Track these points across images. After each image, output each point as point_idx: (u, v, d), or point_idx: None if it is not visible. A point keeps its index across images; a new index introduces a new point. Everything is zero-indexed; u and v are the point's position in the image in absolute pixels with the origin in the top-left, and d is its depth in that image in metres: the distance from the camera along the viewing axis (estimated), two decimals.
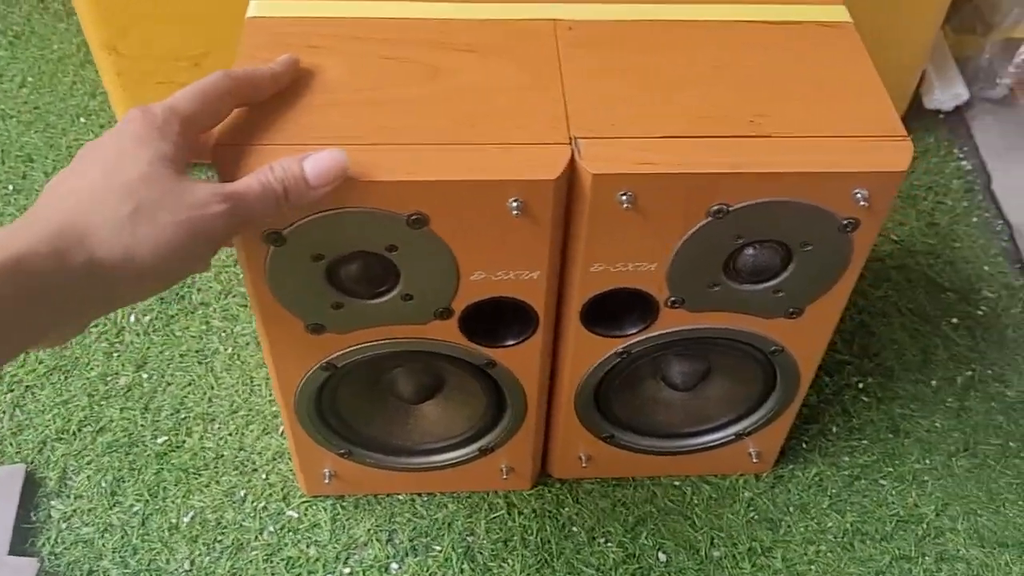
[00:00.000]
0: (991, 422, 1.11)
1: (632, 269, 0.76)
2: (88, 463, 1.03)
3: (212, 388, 1.10)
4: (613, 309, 0.81)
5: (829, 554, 0.99)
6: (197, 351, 1.14)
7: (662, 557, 0.98)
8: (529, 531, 0.99)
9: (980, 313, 1.23)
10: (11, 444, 1.05)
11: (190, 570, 0.95)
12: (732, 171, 0.68)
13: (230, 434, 1.06)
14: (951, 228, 1.34)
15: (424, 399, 0.93)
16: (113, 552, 0.96)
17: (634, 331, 0.82)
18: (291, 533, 0.98)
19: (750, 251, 0.75)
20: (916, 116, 1.48)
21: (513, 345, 0.82)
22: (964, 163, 1.44)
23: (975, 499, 1.04)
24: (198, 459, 1.04)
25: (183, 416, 1.07)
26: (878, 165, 0.69)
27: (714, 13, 0.81)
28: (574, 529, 1.00)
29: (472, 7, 0.80)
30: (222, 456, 1.04)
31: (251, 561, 0.96)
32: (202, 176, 0.69)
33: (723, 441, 0.98)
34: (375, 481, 0.99)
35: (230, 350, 1.14)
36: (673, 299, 0.79)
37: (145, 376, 1.11)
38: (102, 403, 1.08)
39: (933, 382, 1.15)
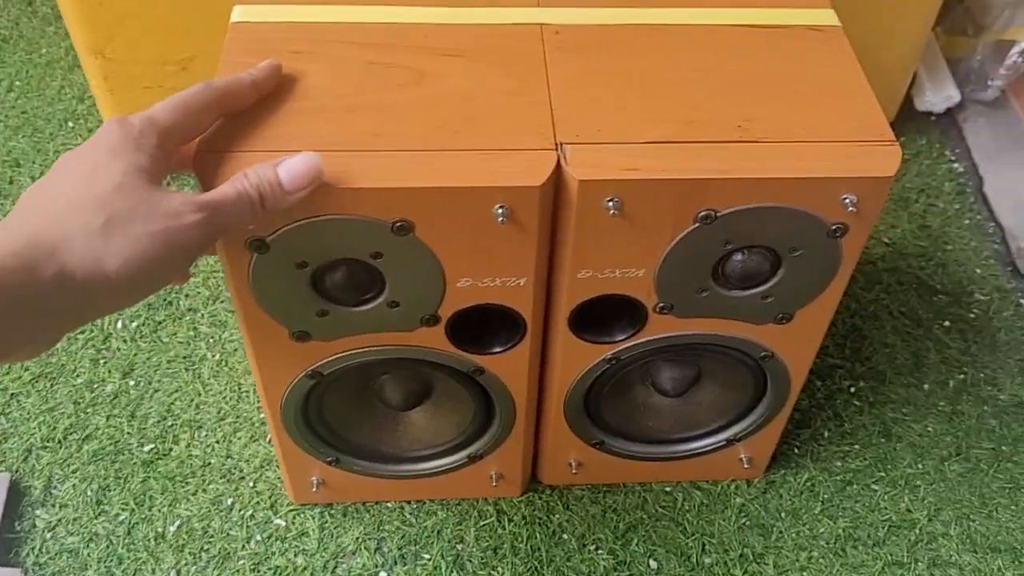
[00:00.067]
0: (983, 426, 1.11)
1: (620, 275, 0.75)
2: (74, 471, 1.02)
3: (199, 395, 1.09)
4: (602, 315, 0.80)
5: (821, 560, 0.98)
6: (184, 357, 1.13)
7: (653, 564, 0.97)
8: (519, 538, 0.98)
9: (972, 316, 1.23)
10: None
11: None
12: (720, 177, 0.68)
13: (217, 441, 1.05)
14: (943, 230, 1.34)
15: (412, 406, 0.92)
16: (98, 562, 0.95)
17: (623, 337, 0.82)
18: (278, 542, 0.97)
19: (738, 257, 0.75)
20: (907, 118, 1.48)
21: (501, 352, 0.81)
22: (956, 165, 1.44)
23: (968, 504, 1.03)
24: (185, 467, 1.03)
25: (170, 423, 1.07)
26: (866, 170, 0.69)
27: (702, 17, 0.80)
28: (564, 536, 0.99)
29: (458, 12, 0.79)
30: (209, 464, 1.03)
31: (238, 571, 0.95)
32: (186, 188, 0.68)
33: (714, 447, 0.98)
34: (363, 489, 0.98)
35: (218, 356, 1.13)
36: (662, 305, 0.78)
37: (132, 383, 1.10)
38: (88, 410, 1.07)
39: (925, 386, 1.15)
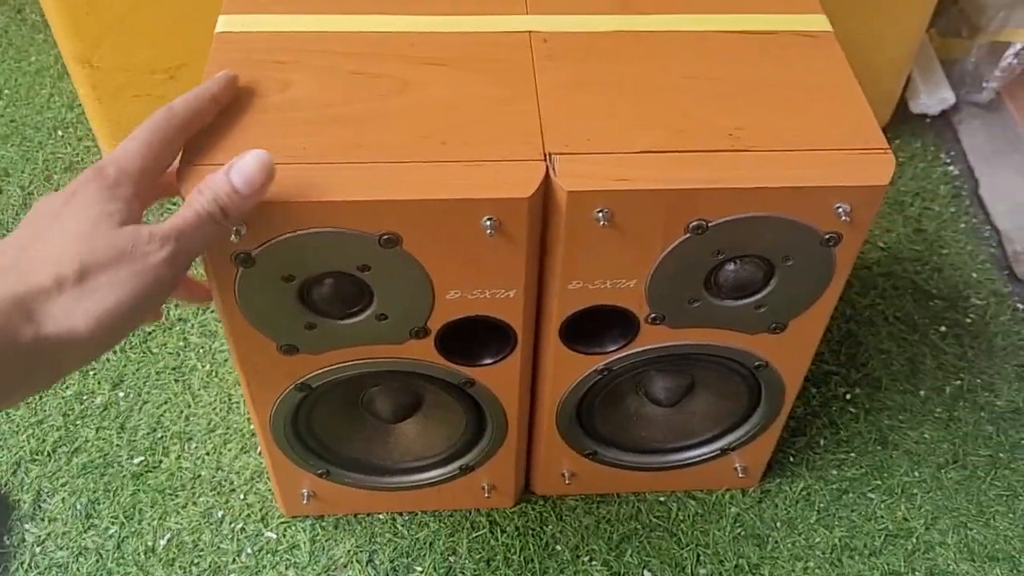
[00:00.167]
0: (980, 432, 1.10)
1: (611, 286, 0.74)
2: (63, 485, 1.01)
3: (189, 406, 1.08)
4: (593, 326, 0.79)
5: (817, 571, 0.97)
6: (174, 368, 1.12)
7: (647, 575, 0.96)
8: (512, 550, 0.98)
9: (968, 321, 1.22)
10: None
11: None
12: (711, 186, 0.67)
13: (208, 453, 1.04)
14: (938, 234, 1.33)
15: (403, 418, 0.91)
16: None
17: (615, 348, 0.81)
18: (269, 555, 0.96)
19: (731, 267, 0.74)
20: (902, 121, 1.47)
21: (491, 364, 0.80)
22: (951, 168, 1.43)
23: (965, 512, 1.03)
24: (175, 480, 1.02)
25: (160, 435, 1.06)
26: (860, 179, 0.68)
27: (692, 24, 0.79)
28: (558, 547, 0.98)
29: (444, 20, 0.78)
30: (199, 476, 1.02)
31: None
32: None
33: (708, 456, 0.97)
34: (355, 501, 0.97)
35: (208, 367, 1.12)
36: (653, 316, 0.77)
37: (121, 395, 1.09)
38: (77, 423, 1.07)
39: (921, 392, 1.14)
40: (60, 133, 1.42)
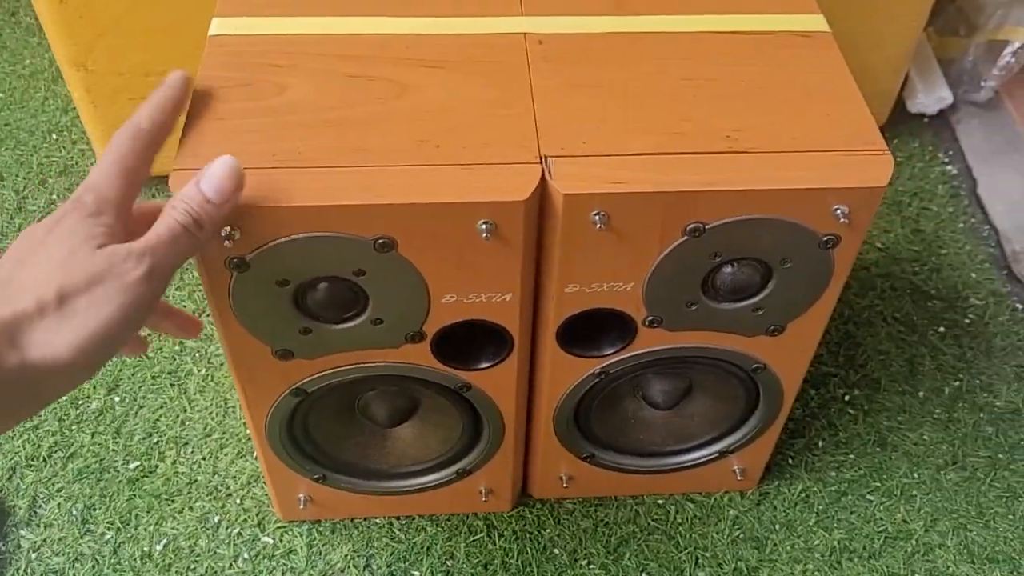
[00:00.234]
0: (980, 433, 1.10)
1: (608, 289, 0.74)
2: (58, 490, 1.01)
3: (185, 411, 1.08)
4: (590, 329, 0.79)
5: (816, 573, 0.97)
6: (170, 372, 1.12)
7: None
8: (510, 554, 0.97)
9: (967, 321, 1.22)
10: None
11: None
12: (708, 189, 0.66)
13: (204, 458, 1.04)
14: (937, 234, 1.33)
15: (399, 422, 0.91)
16: None
17: (612, 351, 0.80)
18: (266, 560, 0.96)
19: (728, 269, 0.73)
20: (900, 120, 1.46)
21: (488, 368, 0.79)
22: (949, 168, 1.43)
23: (964, 513, 1.02)
24: (171, 484, 1.01)
25: (156, 440, 1.05)
26: (858, 180, 0.67)
27: (689, 25, 0.79)
28: (556, 551, 0.98)
29: (439, 22, 0.78)
30: (196, 481, 1.02)
31: None
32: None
33: (706, 459, 0.96)
34: (352, 505, 0.97)
35: (204, 371, 1.12)
36: (651, 318, 0.77)
37: (117, 399, 1.09)
38: (73, 428, 1.06)
39: (920, 393, 1.13)
40: (55, 137, 1.42)
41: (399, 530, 0.98)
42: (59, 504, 1.00)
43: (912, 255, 1.29)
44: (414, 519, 0.99)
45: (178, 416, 1.07)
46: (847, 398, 1.12)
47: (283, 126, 0.68)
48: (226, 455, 1.04)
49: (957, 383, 1.14)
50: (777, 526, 1.00)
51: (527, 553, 0.97)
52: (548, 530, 0.99)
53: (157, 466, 1.03)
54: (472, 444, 0.90)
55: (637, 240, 0.69)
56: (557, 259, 0.70)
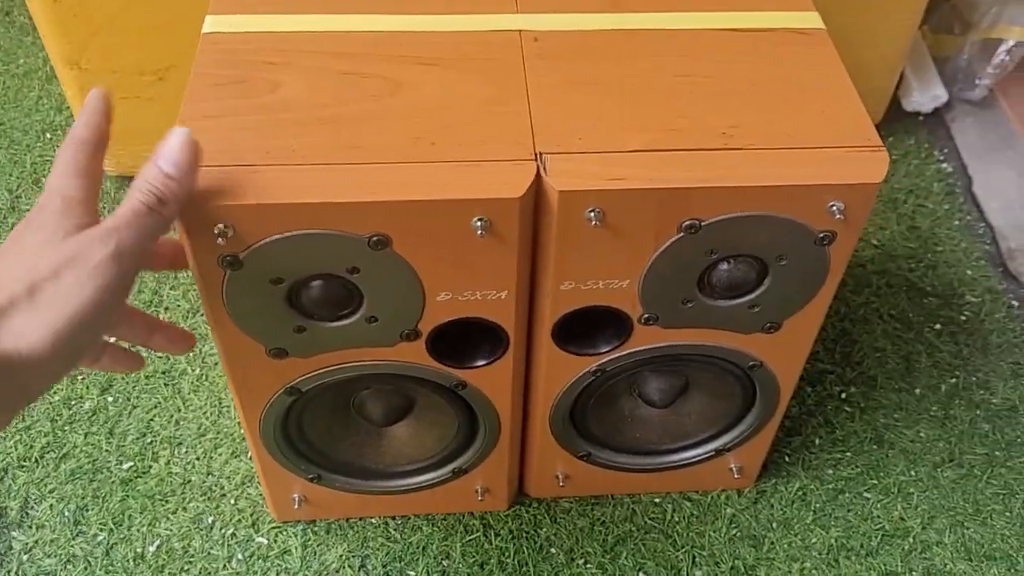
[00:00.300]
0: (976, 431, 1.09)
1: (603, 286, 0.73)
2: (51, 492, 1.00)
3: (179, 410, 1.07)
4: (586, 327, 0.78)
5: (814, 571, 0.96)
6: (164, 372, 1.11)
7: None
8: (506, 553, 0.97)
9: (963, 318, 1.21)
10: None
11: None
12: (703, 185, 0.66)
13: (198, 458, 1.03)
14: (932, 232, 1.32)
15: (394, 421, 0.90)
16: None
17: (608, 349, 0.80)
18: (260, 561, 0.95)
19: (724, 266, 0.73)
20: (895, 118, 1.46)
21: (484, 366, 0.79)
22: (945, 165, 1.43)
23: (962, 511, 1.02)
24: (164, 485, 1.01)
25: (149, 440, 1.05)
26: (853, 177, 0.67)
27: (684, 22, 0.78)
28: (552, 550, 0.97)
29: (434, 19, 0.77)
30: (189, 481, 1.01)
31: None
32: None
33: (703, 457, 0.96)
34: (347, 505, 0.96)
35: (198, 371, 1.11)
36: (647, 316, 0.76)
37: (110, 399, 1.08)
38: (65, 428, 1.05)
39: (917, 390, 1.13)
40: (48, 136, 1.41)
41: (395, 530, 0.98)
42: (51, 505, 0.99)
43: (908, 252, 1.29)
44: (410, 519, 0.99)
45: (172, 416, 1.07)
46: (843, 395, 1.12)
47: (277, 123, 0.68)
48: (220, 455, 1.03)
49: (953, 380, 1.14)
50: (774, 524, 1.00)
51: (523, 552, 0.97)
52: (545, 529, 0.99)
53: (151, 466, 1.02)
54: (468, 443, 0.90)
55: (633, 237, 0.69)
56: (552, 256, 0.70)
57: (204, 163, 0.64)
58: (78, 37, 1.13)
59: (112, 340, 0.69)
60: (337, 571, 0.95)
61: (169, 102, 1.18)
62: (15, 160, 1.37)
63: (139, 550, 0.96)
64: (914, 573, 0.97)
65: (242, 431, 1.05)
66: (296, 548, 0.96)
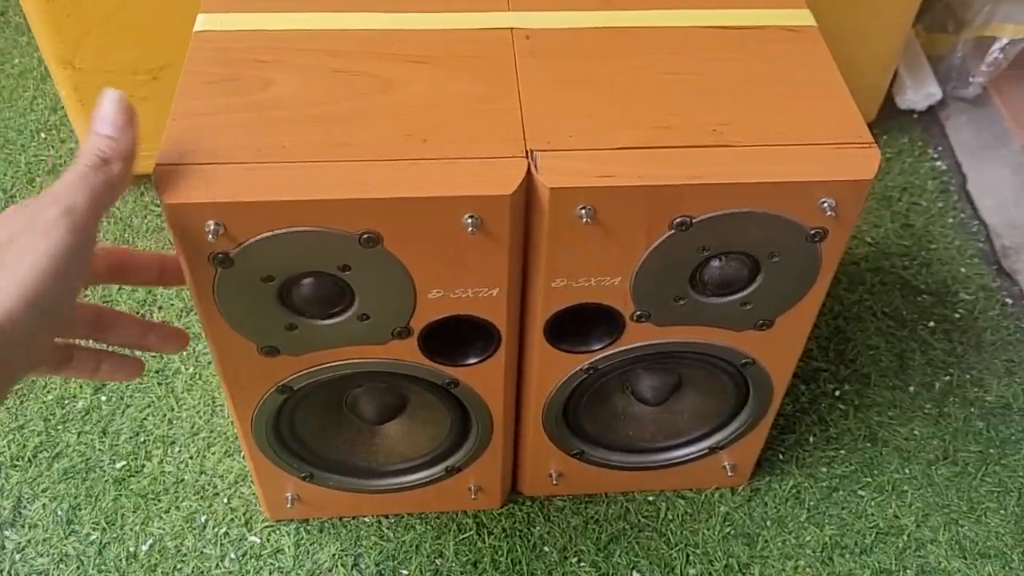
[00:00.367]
0: (970, 428, 1.09)
1: (595, 284, 0.73)
2: (43, 491, 1.00)
3: (172, 409, 1.07)
4: (578, 324, 0.78)
5: (808, 569, 0.96)
6: (157, 371, 1.11)
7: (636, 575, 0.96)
8: (499, 552, 0.97)
9: (957, 316, 1.21)
10: None
11: None
12: (695, 182, 0.66)
13: (191, 457, 1.03)
14: (926, 229, 1.33)
15: (387, 419, 0.90)
16: None
17: (600, 346, 0.80)
18: (253, 560, 0.95)
19: (716, 263, 0.73)
20: (889, 116, 1.46)
21: (476, 364, 0.79)
22: (939, 163, 1.43)
23: (956, 508, 1.02)
24: (157, 484, 1.01)
25: (142, 439, 1.04)
26: (844, 173, 0.67)
27: (675, 19, 0.78)
28: (546, 549, 0.97)
29: (425, 17, 0.77)
30: (182, 480, 1.01)
31: None
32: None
33: (696, 455, 0.96)
34: (340, 504, 0.96)
35: (191, 370, 1.11)
36: (639, 313, 0.76)
37: (104, 398, 1.08)
38: (59, 427, 1.05)
39: (911, 388, 1.13)
40: (43, 136, 1.41)
41: (388, 528, 0.98)
42: (44, 504, 0.99)
43: (902, 250, 1.29)
44: (403, 517, 0.99)
45: (165, 415, 1.07)
46: (837, 393, 1.12)
47: (268, 121, 0.68)
48: (213, 454, 1.03)
49: (947, 378, 1.14)
50: (768, 522, 1.00)
51: (517, 551, 0.97)
52: (538, 527, 0.99)
53: (144, 465, 1.02)
54: (461, 441, 0.90)
55: (624, 234, 0.69)
56: (544, 254, 0.70)
57: (196, 161, 0.64)
58: (72, 36, 1.12)
59: (109, 348, 0.69)
60: (330, 570, 0.95)
61: (163, 101, 1.17)
62: (9, 160, 1.36)
63: (132, 549, 0.96)
64: (908, 571, 0.97)
65: (235, 430, 1.05)
66: (289, 547, 0.96)
